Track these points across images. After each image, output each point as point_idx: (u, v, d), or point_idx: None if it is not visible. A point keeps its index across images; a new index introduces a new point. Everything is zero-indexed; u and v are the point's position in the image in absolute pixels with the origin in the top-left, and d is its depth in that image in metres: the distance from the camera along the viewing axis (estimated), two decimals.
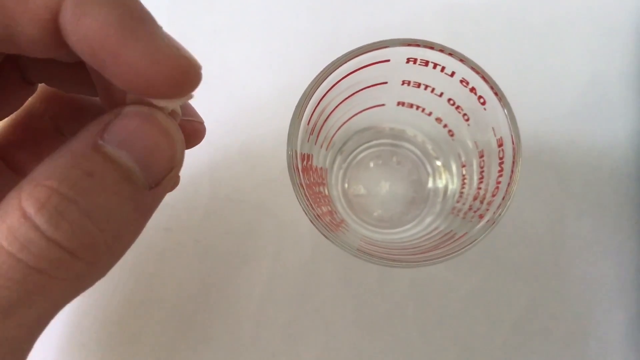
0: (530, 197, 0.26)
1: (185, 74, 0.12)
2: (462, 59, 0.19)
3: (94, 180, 0.12)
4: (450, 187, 0.25)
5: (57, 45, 0.12)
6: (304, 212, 0.19)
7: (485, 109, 0.20)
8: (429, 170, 0.26)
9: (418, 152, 0.27)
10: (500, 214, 0.18)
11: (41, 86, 0.17)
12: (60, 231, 0.11)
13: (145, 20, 0.12)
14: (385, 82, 0.22)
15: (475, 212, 0.21)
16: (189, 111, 0.17)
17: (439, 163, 0.26)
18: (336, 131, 0.24)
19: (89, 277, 0.12)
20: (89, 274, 0.12)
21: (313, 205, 0.19)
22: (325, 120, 0.22)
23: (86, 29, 0.11)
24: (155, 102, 0.13)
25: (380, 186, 0.27)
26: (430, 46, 0.19)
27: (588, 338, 0.25)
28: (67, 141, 0.13)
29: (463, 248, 0.18)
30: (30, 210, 0.11)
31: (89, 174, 0.12)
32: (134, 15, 0.12)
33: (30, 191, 0.11)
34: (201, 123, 0.17)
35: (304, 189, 0.19)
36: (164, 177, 0.13)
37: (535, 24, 0.28)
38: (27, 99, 0.17)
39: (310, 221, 0.18)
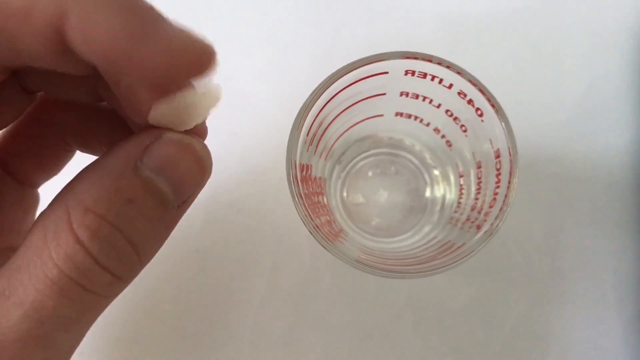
0: (527, 205, 0.26)
1: (201, 58, 0.13)
2: (460, 72, 0.19)
3: (135, 208, 0.13)
4: (448, 196, 0.25)
5: (64, 57, 0.12)
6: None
7: (482, 120, 0.20)
8: (427, 179, 0.26)
9: (416, 162, 0.27)
10: (497, 225, 0.19)
11: (41, 94, 0.17)
12: (111, 260, 0.13)
13: (150, 16, 0.12)
14: (384, 94, 0.22)
15: (473, 222, 0.21)
16: None
17: (436, 172, 0.26)
18: (335, 141, 0.24)
19: (122, 291, 0.14)
20: (123, 289, 0.14)
21: (312, 216, 0.19)
22: (325, 131, 0.22)
23: (95, 40, 0.11)
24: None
25: (378, 195, 0.27)
26: (429, 59, 0.19)
27: (586, 346, 0.25)
28: (106, 157, 0.13)
29: (461, 259, 0.18)
30: (84, 238, 0.12)
31: (130, 201, 0.13)
32: (138, 14, 0.12)
33: (80, 218, 0.12)
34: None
35: (302, 199, 0.19)
36: (189, 197, 0.14)
37: (532, 33, 0.29)
38: (26, 108, 0.17)
39: (309, 232, 0.19)
